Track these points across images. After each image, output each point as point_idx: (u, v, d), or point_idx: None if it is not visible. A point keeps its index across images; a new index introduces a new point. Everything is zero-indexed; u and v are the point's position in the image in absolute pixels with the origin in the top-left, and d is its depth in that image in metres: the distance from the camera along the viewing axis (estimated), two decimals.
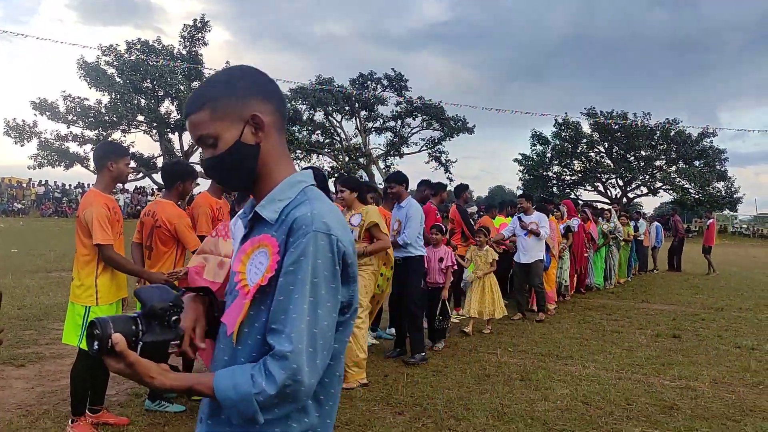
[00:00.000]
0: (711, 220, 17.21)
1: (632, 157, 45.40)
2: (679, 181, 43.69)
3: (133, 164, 31.89)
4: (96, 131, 33.83)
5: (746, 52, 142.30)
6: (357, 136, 44.27)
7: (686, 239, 17.53)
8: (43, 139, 33.11)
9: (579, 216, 10.84)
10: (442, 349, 6.51)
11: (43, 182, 36.48)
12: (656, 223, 16.51)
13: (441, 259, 6.61)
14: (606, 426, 4.36)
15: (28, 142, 33.04)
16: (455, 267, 6.79)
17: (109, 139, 33.66)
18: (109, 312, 3.91)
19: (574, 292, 10.58)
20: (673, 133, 43.03)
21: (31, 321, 7.08)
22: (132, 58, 33.72)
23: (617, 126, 43.50)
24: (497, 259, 7.51)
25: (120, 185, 4.20)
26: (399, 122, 44.14)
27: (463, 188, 8.79)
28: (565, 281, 9.90)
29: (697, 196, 43.44)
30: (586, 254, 10.89)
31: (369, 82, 42.96)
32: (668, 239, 18.14)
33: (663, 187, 44.99)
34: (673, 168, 45.03)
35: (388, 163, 45.06)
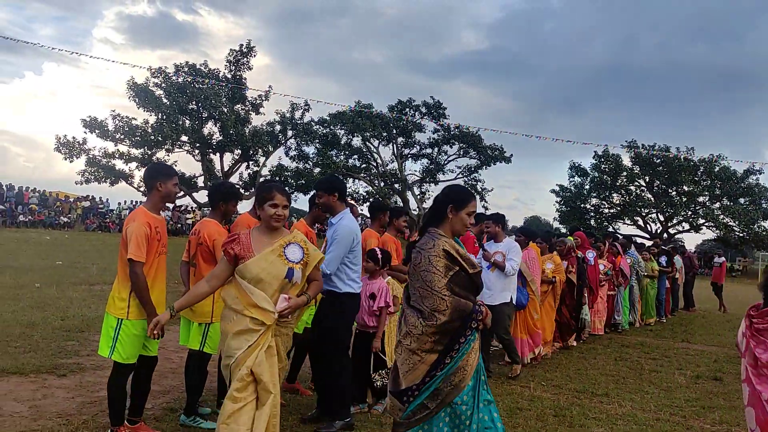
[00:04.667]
0: (722, 259, 18.15)
1: (674, 192, 44.58)
2: (723, 219, 42.56)
3: None
4: (141, 150, 34.79)
5: None
6: (393, 161, 44.57)
7: (731, 278, 17.78)
8: (91, 156, 34.16)
9: (609, 250, 10.63)
10: (383, 412, 4.94)
11: (89, 197, 37.58)
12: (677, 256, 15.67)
13: (373, 296, 4.99)
14: None
15: (77, 158, 34.10)
16: (391, 308, 5.08)
17: (154, 158, 34.59)
18: (140, 327, 3.93)
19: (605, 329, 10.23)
20: (717, 169, 42.18)
21: (73, 332, 7.27)
22: (179, 80, 34.75)
23: (659, 160, 42.86)
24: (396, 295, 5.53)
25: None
26: (436, 149, 44.35)
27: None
28: (586, 315, 9.27)
29: (741, 235, 42.29)
30: (613, 291, 10.50)
31: (407, 109, 43.33)
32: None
33: (706, 224, 43.91)
34: (717, 205, 44.02)
35: (423, 190, 45.22)
